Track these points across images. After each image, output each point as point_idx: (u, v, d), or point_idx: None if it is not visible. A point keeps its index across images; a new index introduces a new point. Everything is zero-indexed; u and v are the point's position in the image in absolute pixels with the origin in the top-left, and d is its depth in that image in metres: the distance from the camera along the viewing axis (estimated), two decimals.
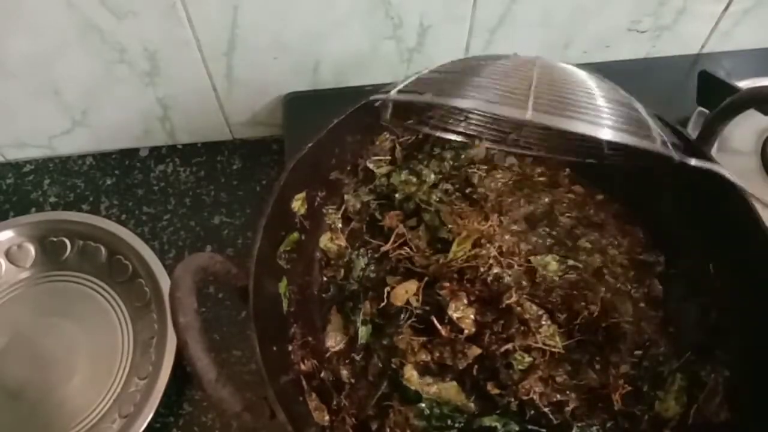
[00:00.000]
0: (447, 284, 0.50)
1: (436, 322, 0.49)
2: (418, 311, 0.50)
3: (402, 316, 0.50)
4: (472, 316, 0.49)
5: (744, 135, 0.65)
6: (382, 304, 0.51)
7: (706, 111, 0.65)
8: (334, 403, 0.48)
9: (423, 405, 0.47)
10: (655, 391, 0.48)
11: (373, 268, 0.54)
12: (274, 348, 0.45)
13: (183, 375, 0.57)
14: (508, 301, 0.48)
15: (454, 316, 0.49)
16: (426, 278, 0.51)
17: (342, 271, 0.55)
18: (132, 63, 0.63)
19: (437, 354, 0.49)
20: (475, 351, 0.48)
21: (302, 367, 0.48)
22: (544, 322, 0.49)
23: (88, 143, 0.73)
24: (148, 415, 0.53)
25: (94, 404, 0.57)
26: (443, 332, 0.49)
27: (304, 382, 0.48)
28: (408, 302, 0.50)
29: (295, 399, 0.46)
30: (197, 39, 0.61)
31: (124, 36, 0.60)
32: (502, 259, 0.51)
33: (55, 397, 0.57)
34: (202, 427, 0.57)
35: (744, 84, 0.64)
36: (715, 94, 0.62)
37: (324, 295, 0.55)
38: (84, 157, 0.74)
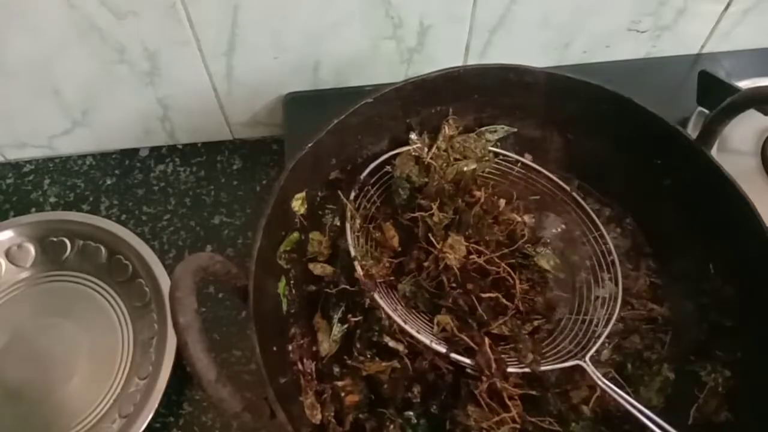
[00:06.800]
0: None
1: None
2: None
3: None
4: None
5: (744, 135, 0.65)
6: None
7: (706, 111, 0.65)
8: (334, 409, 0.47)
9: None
10: (640, 371, 0.48)
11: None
12: (274, 348, 0.45)
13: (183, 375, 0.57)
14: None
15: None
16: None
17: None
18: (132, 63, 0.63)
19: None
20: None
21: (301, 367, 0.48)
22: None
23: (88, 143, 0.73)
24: (148, 415, 0.53)
25: (94, 404, 0.57)
26: None
27: (303, 382, 0.48)
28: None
29: (295, 399, 0.46)
30: (197, 39, 0.61)
31: (124, 36, 0.60)
32: None
33: (55, 397, 0.57)
34: (202, 427, 0.57)
35: (744, 84, 0.64)
36: (715, 94, 0.62)
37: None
38: (84, 157, 0.74)
